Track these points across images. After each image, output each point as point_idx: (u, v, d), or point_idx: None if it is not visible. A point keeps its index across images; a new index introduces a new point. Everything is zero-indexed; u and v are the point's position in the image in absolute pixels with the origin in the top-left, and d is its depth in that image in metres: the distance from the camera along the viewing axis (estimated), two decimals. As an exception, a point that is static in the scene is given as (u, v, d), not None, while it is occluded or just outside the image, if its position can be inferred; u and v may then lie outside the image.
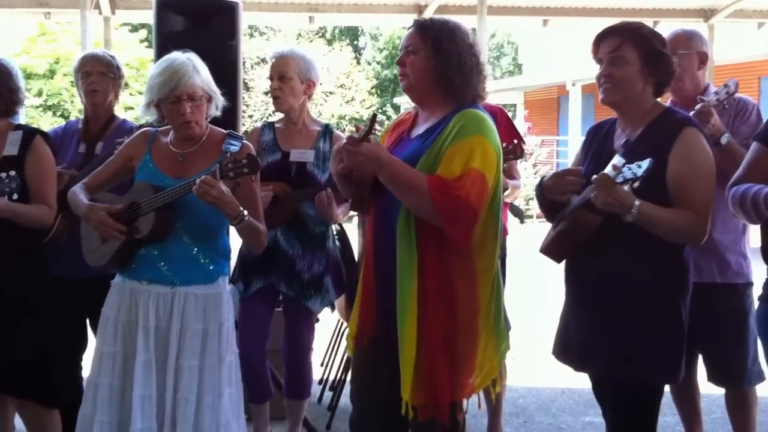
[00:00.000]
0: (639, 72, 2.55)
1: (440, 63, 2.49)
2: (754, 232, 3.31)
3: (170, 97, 2.72)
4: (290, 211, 3.42)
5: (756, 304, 3.24)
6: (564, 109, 22.34)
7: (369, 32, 38.78)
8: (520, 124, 18.00)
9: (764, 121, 3.16)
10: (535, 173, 16.74)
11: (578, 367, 2.73)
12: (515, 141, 3.46)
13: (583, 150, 2.83)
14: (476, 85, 2.54)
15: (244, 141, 2.90)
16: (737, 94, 3.20)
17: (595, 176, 2.37)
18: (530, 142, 17.32)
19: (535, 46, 25.54)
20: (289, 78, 3.48)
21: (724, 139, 3.02)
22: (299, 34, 27.94)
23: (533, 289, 7.46)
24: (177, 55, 2.78)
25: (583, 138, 2.88)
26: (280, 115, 3.68)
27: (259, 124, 3.71)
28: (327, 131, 3.60)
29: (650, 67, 2.56)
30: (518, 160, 3.51)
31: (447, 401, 2.44)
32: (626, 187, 2.31)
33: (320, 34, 29.08)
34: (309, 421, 3.81)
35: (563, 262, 2.73)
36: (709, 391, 3.50)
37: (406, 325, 2.40)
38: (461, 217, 2.35)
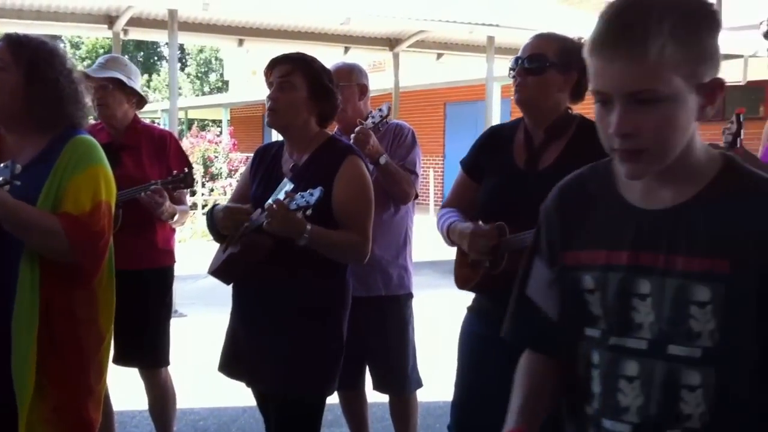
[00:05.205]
0: (305, 101, 2.64)
1: (35, 85, 2.29)
2: (417, 246, 3.57)
3: None
4: None
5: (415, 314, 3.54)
6: (268, 127, 22.75)
7: (69, 40, 36.37)
8: (226, 140, 18.04)
9: (417, 143, 3.46)
10: (240, 190, 16.72)
11: (249, 382, 2.76)
12: (186, 170, 3.41)
13: (251, 171, 2.85)
14: (74, 114, 2.38)
15: None
16: (394, 120, 3.47)
17: (268, 202, 2.42)
18: (235, 159, 17.42)
19: (240, 63, 25.69)
20: None
21: (382, 160, 3.23)
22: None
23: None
24: None
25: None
26: None
27: None
28: None
29: (316, 99, 2.66)
30: (187, 189, 3.46)
31: None
32: (299, 214, 2.40)
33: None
34: None
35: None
36: (382, 399, 3.65)
37: (26, 375, 2.18)
38: (98, 251, 2.30)
